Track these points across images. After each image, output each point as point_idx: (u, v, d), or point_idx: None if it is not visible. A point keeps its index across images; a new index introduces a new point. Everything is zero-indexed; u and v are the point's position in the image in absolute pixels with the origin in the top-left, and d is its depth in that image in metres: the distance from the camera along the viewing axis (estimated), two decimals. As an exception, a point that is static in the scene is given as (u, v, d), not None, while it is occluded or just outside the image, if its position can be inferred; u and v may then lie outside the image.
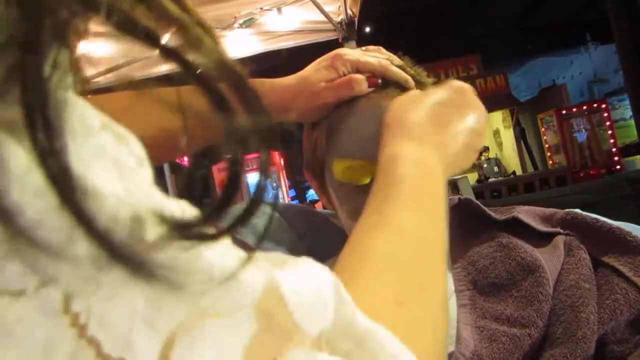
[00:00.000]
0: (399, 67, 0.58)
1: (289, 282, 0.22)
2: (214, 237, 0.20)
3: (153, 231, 0.18)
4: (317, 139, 0.60)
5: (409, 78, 0.58)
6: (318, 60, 0.59)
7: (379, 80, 0.57)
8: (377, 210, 0.39)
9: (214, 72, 0.21)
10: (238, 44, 2.83)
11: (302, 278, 0.23)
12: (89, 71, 0.20)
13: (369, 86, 0.56)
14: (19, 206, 0.16)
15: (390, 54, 0.60)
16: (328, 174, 0.59)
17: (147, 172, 0.21)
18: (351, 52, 0.58)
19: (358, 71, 0.57)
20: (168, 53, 0.21)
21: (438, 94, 0.49)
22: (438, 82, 0.61)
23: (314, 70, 0.58)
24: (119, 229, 0.17)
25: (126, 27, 0.19)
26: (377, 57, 0.58)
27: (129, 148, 0.20)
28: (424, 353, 0.29)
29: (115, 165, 0.19)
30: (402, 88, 0.57)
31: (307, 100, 0.57)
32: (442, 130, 0.46)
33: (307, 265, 0.25)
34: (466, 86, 0.51)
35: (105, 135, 0.19)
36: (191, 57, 0.21)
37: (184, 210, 0.21)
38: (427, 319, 0.32)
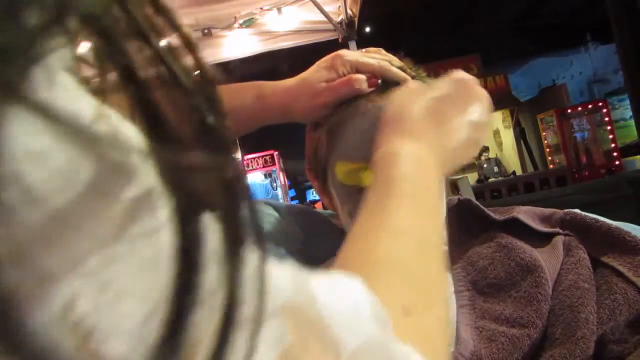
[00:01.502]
0: (399, 68, 0.59)
1: (325, 293, 0.22)
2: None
3: None
4: (318, 140, 0.60)
5: (409, 78, 0.58)
6: (318, 62, 0.60)
7: (379, 81, 0.57)
8: (374, 212, 0.38)
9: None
10: (238, 44, 2.84)
11: (340, 292, 0.23)
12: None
13: (369, 86, 0.57)
14: None
15: (391, 56, 0.61)
16: (330, 175, 0.60)
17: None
18: (351, 53, 0.59)
19: (358, 71, 0.57)
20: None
21: (439, 87, 0.48)
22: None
23: (314, 71, 0.59)
24: None
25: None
26: (377, 58, 0.59)
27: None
28: None
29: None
30: None
31: (308, 101, 0.58)
32: (441, 126, 0.45)
33: (344, 280, 0.24)
34: (468, 78, 0.50)
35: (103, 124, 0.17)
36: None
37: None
38: (434, 325, 0.32)
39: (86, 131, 0.16)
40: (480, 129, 0.48)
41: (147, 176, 0.17)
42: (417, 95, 0.48)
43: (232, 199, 0.19)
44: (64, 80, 0.17)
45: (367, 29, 6.35)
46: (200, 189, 0.18)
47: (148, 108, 0.17)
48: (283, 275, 0.21)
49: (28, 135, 0.14)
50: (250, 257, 0.19)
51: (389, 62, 0.59)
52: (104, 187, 0.16)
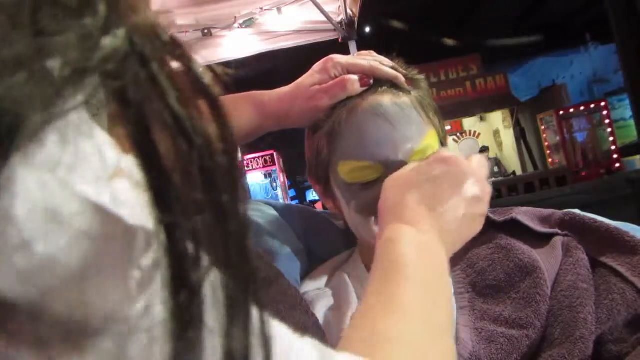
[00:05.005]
0: (391, 67, 0.61)
1: None
2: None
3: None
4: (318, 143, 0.61)
5: (399, 75, 0.60)
6: (312, 67, 0.62)
7: (371, 81, 0.59)
8: (380, 296, 0.38)
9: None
10: (238, 44, 2.84)
11: None
12: None
13: (361, 86, 0.58)
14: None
15: (382, 57, 0.63)
16: (333, 176, 0.61)
17: None
18: (342, 57, 0.61)
19: (349, 73, 0.59)
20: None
21: (427, 170, 0.48)
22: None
23: (308, 76, 0.61)
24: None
25: None
26: (367, 59, 0.61)
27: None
28: None
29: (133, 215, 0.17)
30: (395, 86, 0.59)
31: (303, 105, 0.60)
32: (437, 210, 0.45)
33: None
34: (451, 156, 0.49)
35: (119, 184, 0.17)
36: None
37: None
38: None
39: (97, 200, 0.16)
40: (477, 201, 0.48)
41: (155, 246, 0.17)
42: (408, 184, 0.48)
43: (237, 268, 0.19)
44: (85, 136, 0.17)
45: (367, 29, 6.35)
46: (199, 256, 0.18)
47: (158, 171, 0.17)
48: (310, 354, 0.22)
49: (42, 193, 0.15)
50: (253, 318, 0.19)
51: (380, 62, 0.60)
52: (117, 255, 0.16)
